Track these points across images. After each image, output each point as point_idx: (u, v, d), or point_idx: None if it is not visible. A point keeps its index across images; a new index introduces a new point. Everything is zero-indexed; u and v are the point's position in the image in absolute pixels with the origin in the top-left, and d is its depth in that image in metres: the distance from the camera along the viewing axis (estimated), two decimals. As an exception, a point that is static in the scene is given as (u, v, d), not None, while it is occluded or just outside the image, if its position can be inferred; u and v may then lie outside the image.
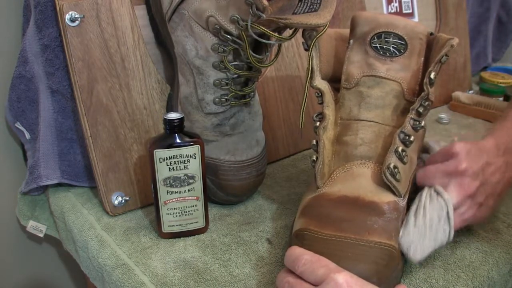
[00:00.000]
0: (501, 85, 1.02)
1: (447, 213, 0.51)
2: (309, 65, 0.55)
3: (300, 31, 0.56)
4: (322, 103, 0.56)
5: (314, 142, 0.56)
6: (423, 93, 0.53)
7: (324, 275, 0.41)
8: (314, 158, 0.56)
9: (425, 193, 0.54)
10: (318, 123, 0.56)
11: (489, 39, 1.18)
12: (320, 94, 0.56)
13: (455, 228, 0.52)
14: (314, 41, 0.53)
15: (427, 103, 0.54)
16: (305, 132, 0.59)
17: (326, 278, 0.41)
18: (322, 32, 0.53)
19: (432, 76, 0.53)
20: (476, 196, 0.54)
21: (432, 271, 0.53)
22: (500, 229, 0.60)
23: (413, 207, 0.53)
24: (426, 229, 0.50)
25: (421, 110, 0.54)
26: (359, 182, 0.53)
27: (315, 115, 0.58)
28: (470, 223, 0.55)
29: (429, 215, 0.51)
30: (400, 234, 0.51)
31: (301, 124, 0.55)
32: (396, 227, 0.50)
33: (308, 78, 0.55)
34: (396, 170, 0.51)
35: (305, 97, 0.55)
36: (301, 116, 0.55)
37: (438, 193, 0.53)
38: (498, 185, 0.55)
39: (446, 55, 0.53)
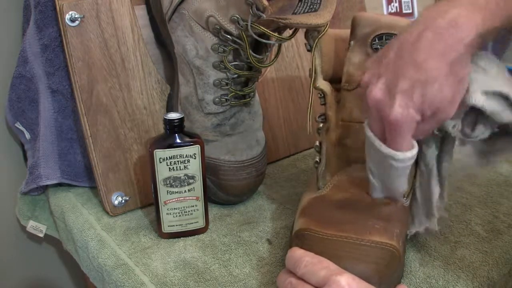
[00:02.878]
0: (501, 85, 1.02)
1: (368, 137, 0.47)
2: (312, 66, 0.55)
3: (301, 31, 0.56)
4: (325, 104, 0.56)
5: (317, 143, 0.56)
6: None
7: (326, 277, 0.41)
8: (317, 159, 0.56)
9: None
10: (321, 125, 0.57)
11: (489, 39, 1.18)
12: (323, 95, 0.56)
13: (396, 142, 0.44)
14: (316, 41, 0.53)
15: None
16: (305, 132, 0.59)
17: (328, 280, 0.41)
18: (324, 32, 0.53)
19: None
20: (385, 95, 0.43)
21: (432, 271, 0.53)
22: (500, 229, 0.60)
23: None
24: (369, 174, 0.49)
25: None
26: (360, 184, 0.53)
27: (318, 116, 0.58)
28: (416, 116, 0.42)
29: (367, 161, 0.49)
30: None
31: (309, 128, 0.55)
32: (398, 227, 0.50)
33: (312, 79, 0.55)
34: None
35: (310, 99, 0.55)
36: (308, 119, 0.55)
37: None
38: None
39: None
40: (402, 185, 0.49)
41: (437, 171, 0.52)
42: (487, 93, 0.44)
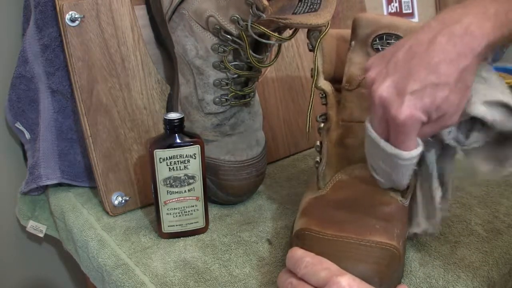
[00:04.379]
0: (501, 85, 1.02)
1: (368, 133, 0.46)
2: (315, 66, 0.55)
3: (302, 31, 0.56)
4: (326, 104, 0.56)
5: (318, 143, 0.56)
6: None
7: (326, 278, 0.41)
8: (318, 159, 0.56)
9: None
10: (322, 124, 0.57)
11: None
12: (324, 95, 0.56)
13: (401, 141, 0.44)
14: (318, 41, 0.53)
15: None
16: (305, 132, 0.59)
17: (328, 281, 0.41)
18: (325, 32, 0.53)
19: None
20: (393, 93, 0.42)
21: (432, 271, 0.53)
22: (500, 229, 0.60)
23: None
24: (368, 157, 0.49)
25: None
26: (361, 184, 0.53)
27: (318, 116, 0.58)
28: (422, 118, 0.42)
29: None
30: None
31: (308, 128, 0.55)
32: (398, 227, 0.50)
33: (315, 79, 0.55)
34: None
35: (311, 99, 0.55)
36: (307, 119, 0.55)
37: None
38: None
39: None
40: (407, 178, 0.49)
41: (438, 173, 0.52)
42: (488, 103, 0.45)
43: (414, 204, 0.54)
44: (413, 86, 0.42)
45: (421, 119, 0.42)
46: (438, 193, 0.52)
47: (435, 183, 0.52)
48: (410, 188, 0.55)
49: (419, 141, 0.45)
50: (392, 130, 0.44)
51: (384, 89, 0.43)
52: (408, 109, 0.42)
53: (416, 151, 0.45)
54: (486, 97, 0.45)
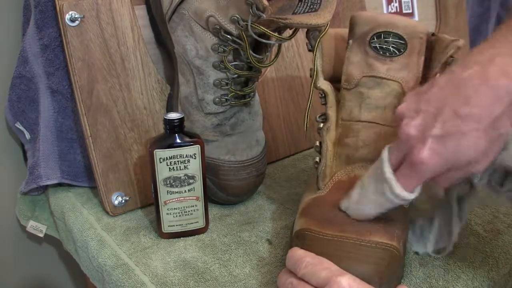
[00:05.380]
0: (501, 85, 1.02)
1: (381, 164, 0.45)
2: (314, 66, 0.55)
3: (302, 31, 0.56)
4: (325, 104, 0.56)
5: (318, 143, 0.56)
6: None
7: (326, 278, 0.41)
8: (317, 159, 0.56)
9: None
10: (321, 124, 0.57)
11: (489, 39, 1.18)
12: (323, 95, 0.56)
13: (410, 179, 0.43)
14: (318, 41, 0.53)
15: None
16: (303, 131, 0.59)
17: (329, 281, 0.41)
18: (324, 32, 0.53)
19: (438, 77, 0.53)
20: (419, 133, 0.41)
21: (432, 271, 0.53)
22: (500, 229, 0.60)
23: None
24: (364, 185, 0.47)
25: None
26: None
27: (318, 116, 0.58)
28: (452, 162, 0.41)
29: (366, 175, 0.47)
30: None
31: (306, 126, 0.55)
32: (398, 228, 0.50)
33: (314, 79, 0.55)
34: None
35: (310, 98, 0.55)
36: (305, 118, 0.55)
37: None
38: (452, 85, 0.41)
39: (451, 56, 0.53)
40: (376, 213, 0.48)
41: (459, 206, 0.51)
42: None
43: (427, 225, 0.53)
44: (439, 129, 0.40)
45: (439, 166, 0.41)
46: (457, 225, 0.51)
47: (455, 218, 0.51)
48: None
49: (419, 188, 0.44)
50: (407, 166, 0.43)
51: (412, 126, 0.42)
52: (429, 153, 0.40)
53: (412, 195, 0.44)
54: None
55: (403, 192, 0.44)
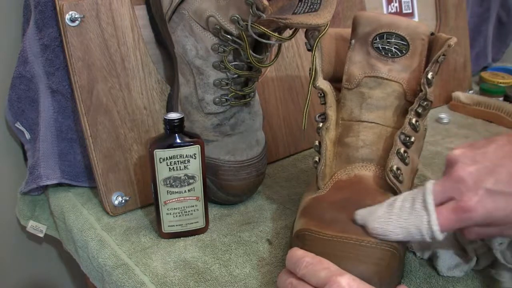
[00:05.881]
0: (501, 85, 1.02)
1: (423, 196, 0.45)
2: (312, 65, 0.55)
3: (302, 31, 0.56)
4: (324, 103, 0.56)
5: (317, 143, 0.56)
6: (420, 94, 0.53)
7: (326, 278, 0.41)
8: (317, 159, 0.56)
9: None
10: (320, 124, 0.57)
11: (489, 39, 1.18)
12: (322, 94, 0.56)
13: (449, 221, 0.43)
14: (317, 41, 0.53)
15: (425, 103, 0.54)
16: (305, 132, 0.59)
17: (328, 281, 0.41)
18: (324, 32, 0.53)
19: (429, 76, 0.53)
20: (474, 181, 0.42)
21: (432, 271, 0.53)
22: (500, 229, 0.60)
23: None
24: (394, 208, 0.46)
25: (420, 110, 0.54)
26: (360, 184, 0.53)
27: (317, 116, 0.58)
28: (487, 217, 0.42)
29: (401, 198, 0.46)
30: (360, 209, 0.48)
31: (304, 126, 0.55)
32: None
33: (312, 78, 0.55)
34: (399, 171, 0.51)
35: (308, 98, 0.55)
36: (304, 117, 0.55)
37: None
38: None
39: (443, 54, 0.53)
40: (401, 240, 0.47)
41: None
42: None
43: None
44: (492, 184, 0.41)
45: (481, 220, 0.42)
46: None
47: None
48: (411, 189, 0.55)
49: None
50: (451, 209, 0.43)
51: (466, 172, 0.43)
52: (478, 204, 0.41)
53: (442, 237, 0.44)
54: None
55: (438, 230, 0.44)
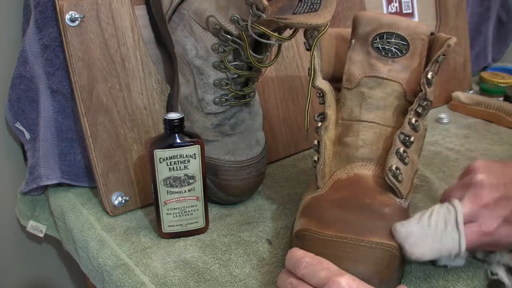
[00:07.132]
0: (501, 85, 1.02)
1: (455, 217, 0.48)
2: (311, 65, 0.55)
3: (301, 31, 0.56)
4: (323, 103, 0.56)
5: (316, 142, 0.56)
6: (420, 93, 0.53)
7: (326, 278, 0.41)
8: (316, 158, 0.56)
9: (437, 205, 0.50)
10: (319, 123, 0.57)
11: (489, 39, 1.18)
12: (321, 94, 0.56)
13: (472, 242, 0.47)
14: (316, 41, 0.53)
15: (425, 103, 0.54)
16: (304, 130, 0.59)
17: (328, 281, 0.41)
18: (323, 32, 0.53)
19: (429, 76, 0.53)
20: (496, 209, 0.48)
21: (432, 271, 0.53)
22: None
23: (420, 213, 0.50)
24: (429, 228, 0.47)
25: (419, 110, 0.54)
26: (360, 183, 0.53)
27: (316, 115, 0.58)
28: (497, 241, 0.48)
29: (435, 217, 0.48)
30: (399, 224, 0.48)
31: (306, 126, 0.55)
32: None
33: (311, 78, 0.55)
34: (398, 171, 0.51)
35: (308, 98, 0.55)
36: (305, 117, 0.55)
37: (449, 202, 0.50)
38: None
39: (443, 54, 0.53)
40: (429, 259, 0.49)
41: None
42: None
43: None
44: (509, 213, 0.48)
45: (496, 242, 0.48)
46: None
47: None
48: (411, 189, 0.55)
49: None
50: (475, 233, 0.48)
51: (491, 199, 0.48)
52: (497, 229, 0.48)
53: (463, 254, 0.48)
54: None
55: (464, 250, 0.47)
